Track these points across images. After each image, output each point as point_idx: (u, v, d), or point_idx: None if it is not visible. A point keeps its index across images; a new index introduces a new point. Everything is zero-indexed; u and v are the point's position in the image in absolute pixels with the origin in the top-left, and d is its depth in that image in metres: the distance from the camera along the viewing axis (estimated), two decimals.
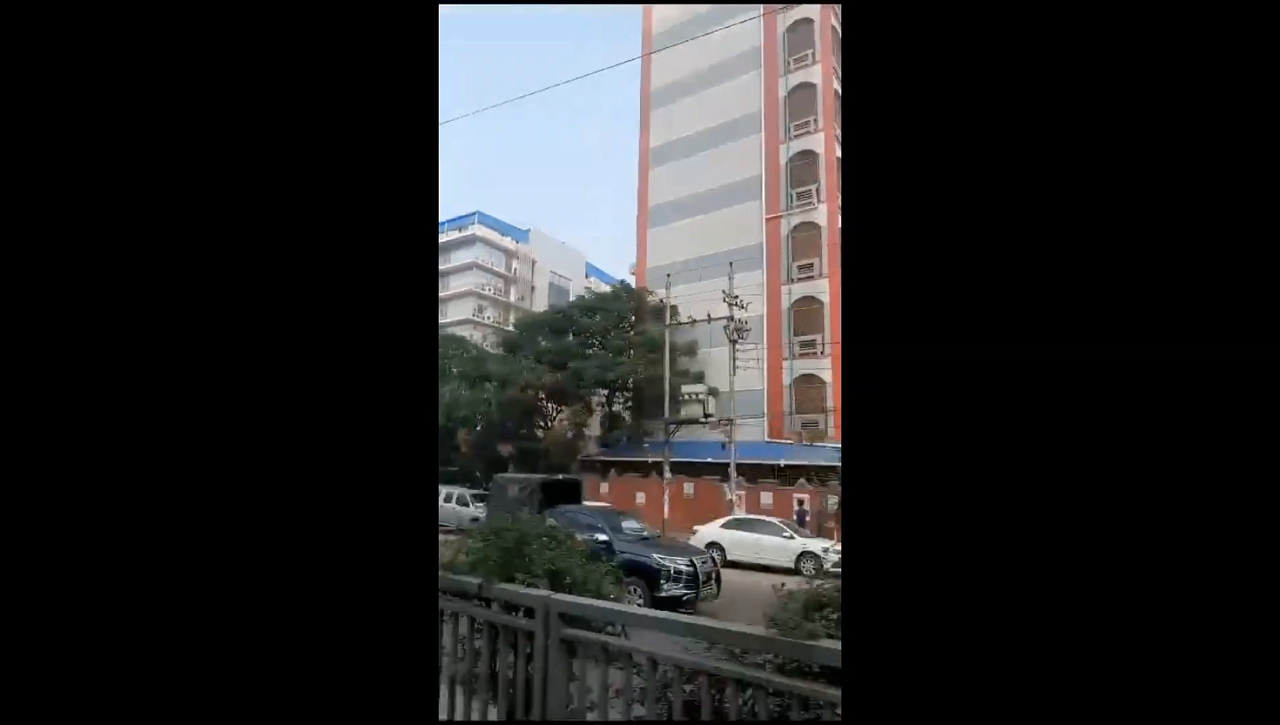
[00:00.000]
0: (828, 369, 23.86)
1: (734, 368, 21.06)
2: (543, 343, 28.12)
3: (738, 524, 18.01)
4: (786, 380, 24.71)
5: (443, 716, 2.90)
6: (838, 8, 26.19)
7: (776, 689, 1.98)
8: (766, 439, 23.76)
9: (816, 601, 2.15)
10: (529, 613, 2.70)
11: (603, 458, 27.17)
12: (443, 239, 55.49)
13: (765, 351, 23.01)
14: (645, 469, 25.91)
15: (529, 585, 2.92)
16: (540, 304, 58.73)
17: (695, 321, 22.68)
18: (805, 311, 24.86)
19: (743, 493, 21.70)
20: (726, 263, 23.29)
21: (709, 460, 22.99)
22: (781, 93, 26.98)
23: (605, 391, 27.28)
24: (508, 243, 56.72)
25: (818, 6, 26.04)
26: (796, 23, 27.02)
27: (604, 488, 26.83)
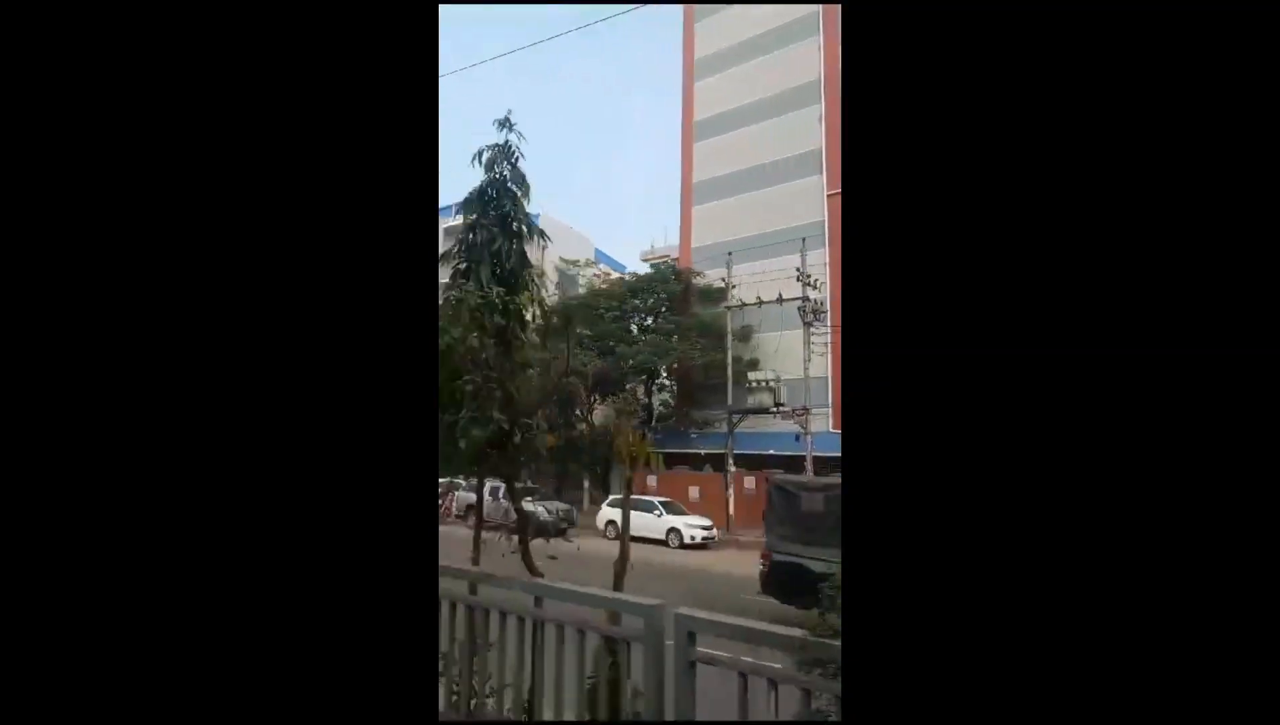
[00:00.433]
0: None
1: (809, 352, 19.21)
2: (581, 329, 26.08)
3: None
4: None
5: None
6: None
7: None
8: (831, 429, 21.99)
9: None
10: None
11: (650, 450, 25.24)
12: (451, 222, 53.26)
13: (830, 335, 21.24)
14: (698, 462, 23.99)
15: None
16: (549, 290, 56.66)
17: (763, 302, 20.80)
18: None
19: None
20: (780, 242, 21.48)
21: (772, 452, 21.14)
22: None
23: (646, 379, 25.27)
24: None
25: None
26: None
27: (651, 481, 24.88)
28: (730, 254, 22.90)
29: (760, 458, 21.94)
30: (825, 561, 7.59)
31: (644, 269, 49.11)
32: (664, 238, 69.33)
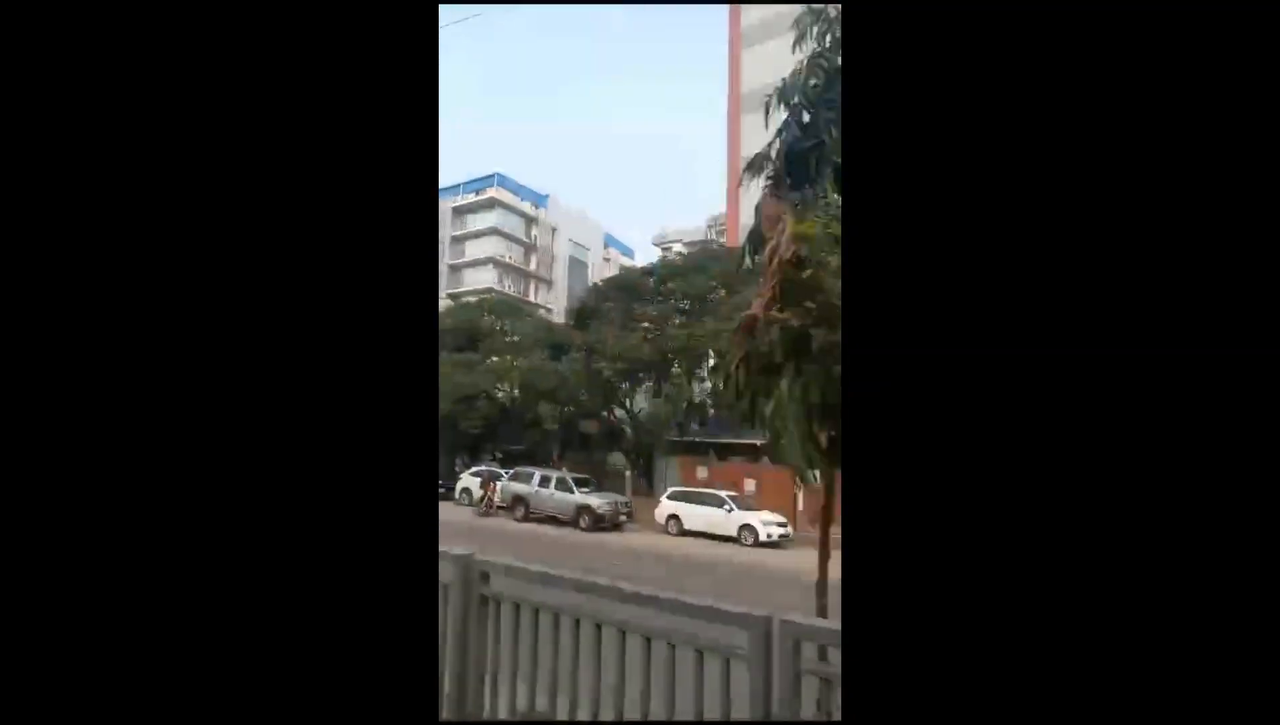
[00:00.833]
0: None
1: None
2: (607, 308, 24.37)
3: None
4: None
5: None
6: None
7: None
8: None
9: None
10: None
11: (699, 439, 23.58)
12: (459, 202, 51.03)
13: None
14: (755, 453, 22.46)
15: None
16: (560, 274, 54.50)
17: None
18: None
19: None
20: None
21: None
22: None
23: (688, 365, 23.63)
24: (527, 207, 52.19)
25: None
26: None
27: (701, 472, 23.30)
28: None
29: None
30: None
31: (655, 254, 47.10)
32: (673, 222, 67.39)
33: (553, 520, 20.31)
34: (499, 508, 22.05)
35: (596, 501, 19.82)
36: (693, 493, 20.31)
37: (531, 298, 45.00)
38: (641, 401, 25.38)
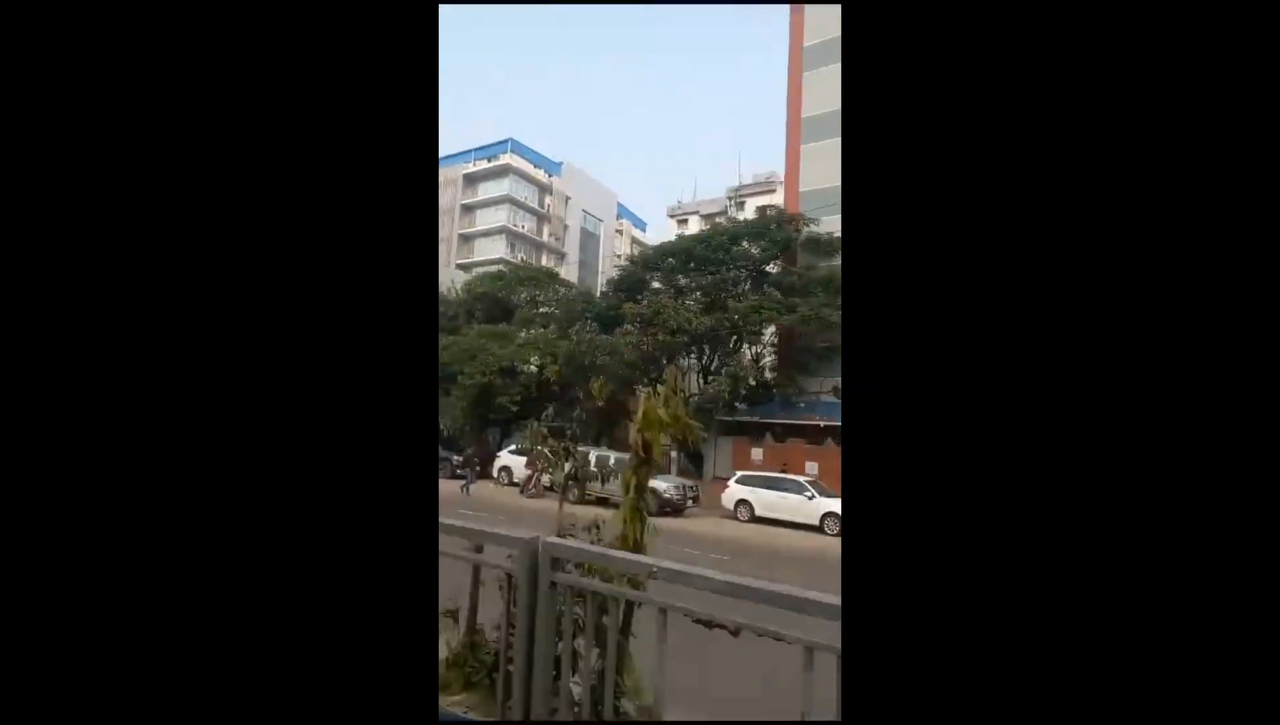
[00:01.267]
0: None
1: None
2: (653, 280, 22.70)
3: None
4: None
5: None
6: None
7: None
8: None
9: None
10: None
11: (754, 420, 22.03)
12: (471, 169, 48.72)
13: None
14: (816, 434, 21.00)
15: None
16: (573, 245, 52.48)
17: None
18: None
19: None
20: None
21: None
22: None
23: (738, 340, 22.02)
24: (540, 176, 49.96)
25: None
26: None
27: (756, 454, 21.81)
28: None
29: None
30: None
31: (670, 226, 45.48)
32: (692, 193, 65.20)
33: (602, 502, 18.82)
34: (545, 489, 20.47)
35: (663, 485, 18.22)
36: (767, 477, 18.97)
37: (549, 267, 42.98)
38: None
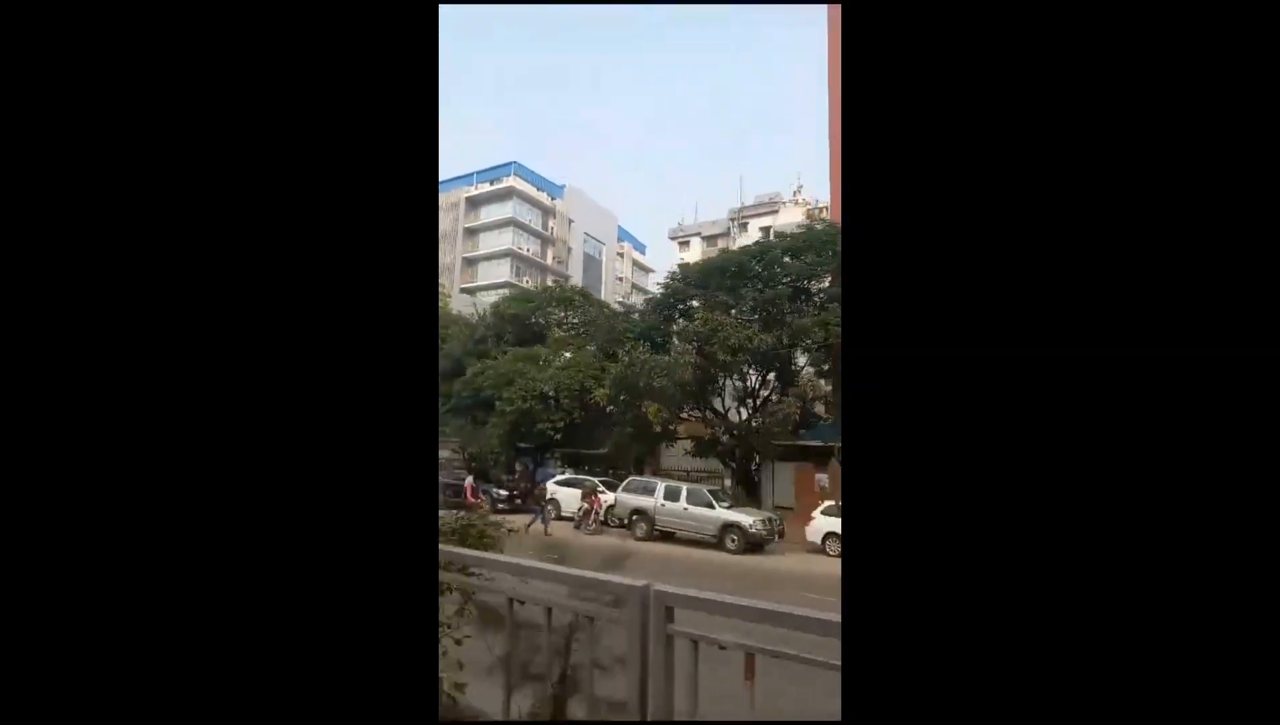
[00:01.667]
0: None
1: None
2: (697, 294, 21.41)
3: None
4: None
5: None
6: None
7: None
8: None
9: None
10: None
11: (817, 443, 20.68)
12: (473, 192, 47.39)
13: None
14: None
15: None
16: (576, 268, 51.19)
17: None
18: None
19: None
20: None
21: None
22: None
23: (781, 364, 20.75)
24: (544, 199, 48.80)
25: None
26: None
27: (821, 479, 20.48)
28: None
29: None
30: None
31: (673, 248, 44.56)
32: (693, 214, 64.46)
33: (667, 537, 17.23)
34: (603, 524, 18.82)
35: (747, 519, 16.74)
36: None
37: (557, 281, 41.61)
38: (729, 399, 22.41)
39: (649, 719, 2.06)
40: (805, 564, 15.54)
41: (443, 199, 47.97)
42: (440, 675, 2.41)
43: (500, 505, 19.81)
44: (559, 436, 22.95)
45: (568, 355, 24.18)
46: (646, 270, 59.83)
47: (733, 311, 20.78)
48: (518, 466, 24.93)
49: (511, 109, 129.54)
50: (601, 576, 2.38)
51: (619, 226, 57.58)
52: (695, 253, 48.12)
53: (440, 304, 37.88)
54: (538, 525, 17.16)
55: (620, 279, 56.17)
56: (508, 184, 47.79)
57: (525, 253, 47.48)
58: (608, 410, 22.37)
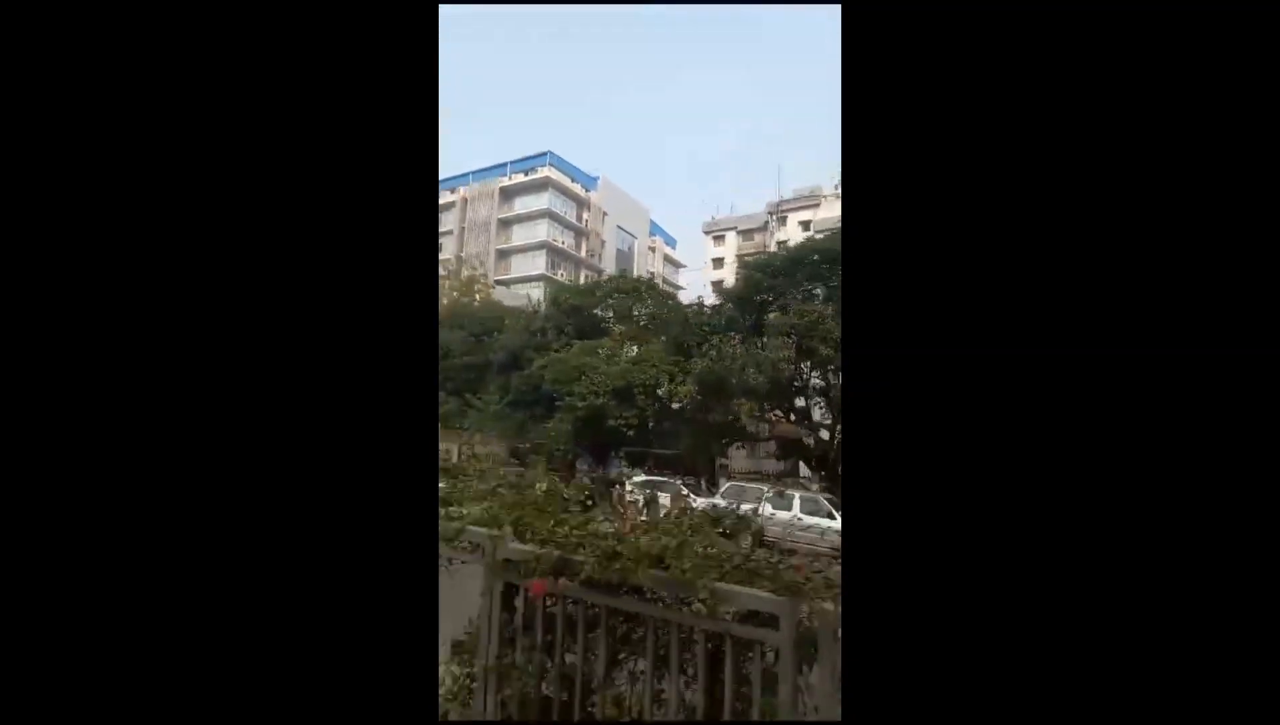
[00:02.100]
0: None
1: None
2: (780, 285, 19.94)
3: None
4: None
5: None
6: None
7: None
8: None
9: None
10: None
11: None
12: (508, 183, 45.76)
13: None
14: None
15: None
16: (608, 263, 49.40)
17: None
18: None
19: None
20: None
21: None
22: None
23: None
24: (578, 190, 47.08)
25: None
26: None
27: None
28: None
29: None
30: None
31: (707, 242, 43.15)
32: (729, 208, 62.72)
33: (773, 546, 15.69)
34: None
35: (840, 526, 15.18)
36: None
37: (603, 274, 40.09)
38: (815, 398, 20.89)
39: (649, 719, 2.08)
40: None
41: (476, 189, 46.45)
42: None
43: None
44: (632, 433, 21.47)
45: (635, 349, 22.70)
46: (677, 265, 58.45)
47: (830, 304, 19.25)
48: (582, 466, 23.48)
49: (544, 107, 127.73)
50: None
51: (651, 220, 56.10)
52: (730, 247, 46.59)
53: (483, 295, 36.39)
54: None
55: (651, 273, 54.73)
56: (543, 174, 46.30)
57: (560, 246, 46.00)
58: (674, 407, 20.94)
